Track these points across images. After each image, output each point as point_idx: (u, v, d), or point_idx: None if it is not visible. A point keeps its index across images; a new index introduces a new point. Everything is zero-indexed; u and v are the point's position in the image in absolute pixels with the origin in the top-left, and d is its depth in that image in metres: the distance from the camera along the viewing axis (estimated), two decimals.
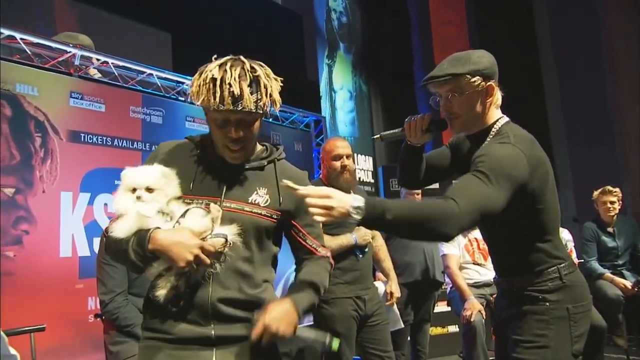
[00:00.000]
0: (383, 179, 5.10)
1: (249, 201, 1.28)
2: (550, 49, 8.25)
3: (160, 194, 1.19)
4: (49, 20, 3.45)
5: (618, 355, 3.77)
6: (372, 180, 5.56)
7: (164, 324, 1.20)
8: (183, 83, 4.09)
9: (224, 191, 1.27)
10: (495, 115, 1.50)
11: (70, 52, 3.28)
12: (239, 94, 1.16)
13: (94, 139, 3.40)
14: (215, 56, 1.26)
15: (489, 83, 1.46)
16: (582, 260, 3.70)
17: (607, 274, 3.60)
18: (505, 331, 1.51)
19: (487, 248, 3.25)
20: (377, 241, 2.81)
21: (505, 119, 1.51)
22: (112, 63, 3.55)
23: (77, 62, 3.35)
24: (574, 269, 1.48)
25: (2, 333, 1.30)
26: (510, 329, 1.47)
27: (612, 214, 3.73)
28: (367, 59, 6.07)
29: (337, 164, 2.51)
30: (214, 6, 4.50)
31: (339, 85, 5.64)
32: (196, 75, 1.24)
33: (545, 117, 7.74)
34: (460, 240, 3.54)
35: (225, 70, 1.18)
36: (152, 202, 1.18)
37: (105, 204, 3.41)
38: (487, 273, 3.30)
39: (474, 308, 2.96)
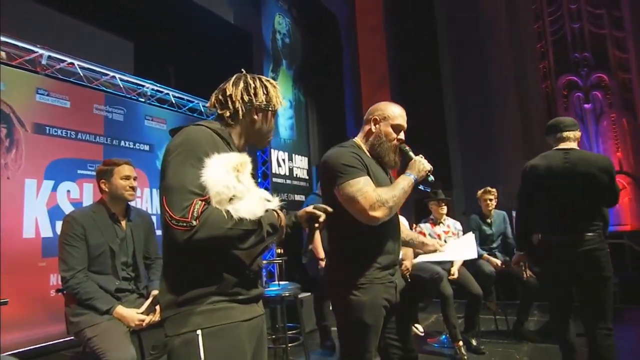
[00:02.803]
0: (316, 176, 5.21)
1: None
2: (450, 74, 8.79)
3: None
4: (16, 21, 3.21)
5: (489, 316, 4.13)
6: (307, 177, 5.68)
7: (241, 288, 1.17)
8: (143, 86, 3.96)
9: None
10: None
11: (37, 52, 3.08)
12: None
13: (59, 132, 3.23)
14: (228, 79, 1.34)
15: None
16: None
17: (485, 255, 3.87)
18: None
19: None
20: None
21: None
22: (77, 64, 3.37)
23: (44, 62, 3.15)
24: None
25: None
26: None
27: (490, 208, 4.02)
28: (305, 74, 6.16)
29: (395, 136, 1.79)
30: (174, 21, 4.38)
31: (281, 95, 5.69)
32: (266, 82, 1.33)
33: (445, 130, 8.23)
34: None
35: (276, 85, 1.36)
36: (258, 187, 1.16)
37: (68, 191, 3.25)
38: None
39: None
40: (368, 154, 1.79)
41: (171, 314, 1.12)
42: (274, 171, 5.16)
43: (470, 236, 2.14)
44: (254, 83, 1.30)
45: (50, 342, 2.86)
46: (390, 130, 1.78)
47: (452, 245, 1.98)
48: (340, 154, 1.68)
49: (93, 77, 3.58)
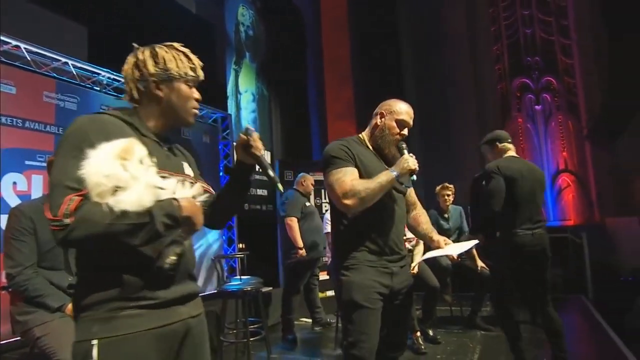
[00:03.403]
0: (279, 170, 5.19)
1: (185, 172, 1.20)
2: (411, 73, 8.99)
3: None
4: None
5: (445, 307, 4.30)
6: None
7: (149, 291, 1.03)
8: (99, 74, 3.76)
9: (174, 164, 1.17)
10: None
11: None
12: (199, 64, 1.20)
13: (3, 119, 3.01)
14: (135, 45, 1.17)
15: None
16: None
17: None
18: None
19: None
20: (418, 209, 2.06)
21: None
22: (24, 48, 3.15)
23: None
24: None
25: None
26: None
27: (448, 203, 4.17)
28: (269, 68, 6.09)
29: (397, 131, 1.84)
30: (132, 6, 4.19)
31: (244, 89, 5.59)
32: (159, 50, 1.15)
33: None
34: None
35: (184, 47, 1.19)
36: (153, 174, 1.00)
37: (15, 183, 3.04)
38: None
39: None
40: (370, 146, 1.88)
41: (75, 319, 1.03)
42: None
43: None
44: (142, 55, 1.14)
45: None
46: (394, 124, 1.84)
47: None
48: (332, 147, 1.81)
49: (42, 63, 3.36)
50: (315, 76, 7.81)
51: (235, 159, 1.29)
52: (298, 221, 3.83)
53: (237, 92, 5.47)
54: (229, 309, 3.35)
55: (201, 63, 1.22)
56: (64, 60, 3.41)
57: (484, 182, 2.62)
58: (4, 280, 2.31)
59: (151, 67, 1.13)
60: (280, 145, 6.16)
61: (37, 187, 3.16)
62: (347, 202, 1.66)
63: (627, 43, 7.32)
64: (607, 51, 7.77)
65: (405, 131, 1.85)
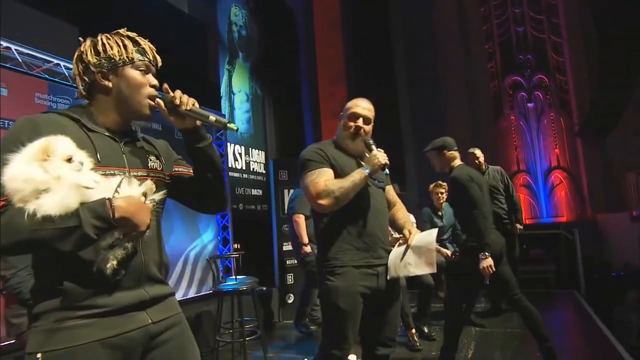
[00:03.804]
0: (273, 170, 5.18)
1: (150, 167, 1.12)
2: (404, 72, 9.01)
3: (84, 166, 0.93)
4: None
5: (440, 304, 4.31)
6: (264, 171, 5.63)
7: (96, 298, 0.96)
8: None
9: (125, 161, 1.07)
10: None
11: None
12: (150, 47, 1.13)
13: None
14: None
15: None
16: None
17: (436, 246, 4.07)
18: None
19: None
20: (397, 205, 2.04)
21: None
22: (15, 49, 3.12)
23: None
24: None
25: None
26: None
27: (441, 201, 4.17)
28: (262, 67, 6.08)
29: (351, 124, 1.84)
30: (123, 6, 4.16)
31: (237, 88, 5.57)
32: (100, 38, 1.07)
33: (399, 129, 8.45)
34: None
35: (131, 32, 1.11)
36: (84, 173, 0.92)
37: None
38: None
39: None
40: (341, 148, 1.89)
41: (28, 329, 0.98)
42: (230, 165, 5.07)
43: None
44: (83, 47, 1.07)
45: None
46: (347, 120, 1.87)
47: (415, 248, 1.77)
48: (307, 151, 1.85)
49: (34, 64, 3.33)
50: (308, 75, 7.81)
51: (183, 138, 1.18)
52: (306, 219, 3.85)
53: (230, 92, 5.46)
54: (224, 309, 3.34)
55: (152, 47, 1.13)
56: (55, 61, 3.39)
57: (456, 190, 2.68)
58: None
59: (91, 57, 1.05)
60: (274, 145, 6.15)
61: None
62: (322, 201, 1.68)
63: (616, 40, 7.39)
64: (597, 48, 7.85)
65: (360, 121, 1.84)
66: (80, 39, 1.11)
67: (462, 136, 8.60)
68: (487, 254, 2.51)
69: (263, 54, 6.16)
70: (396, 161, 8.12)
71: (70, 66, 3.52)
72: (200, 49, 4.97)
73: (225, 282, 3.44)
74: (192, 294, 4.30)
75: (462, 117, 8.86)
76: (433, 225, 4.15)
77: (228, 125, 1.14)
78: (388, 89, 8.31)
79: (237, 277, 3.57)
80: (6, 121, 3.05)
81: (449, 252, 3.99)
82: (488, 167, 4.40)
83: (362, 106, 1.87)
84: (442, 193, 4.18)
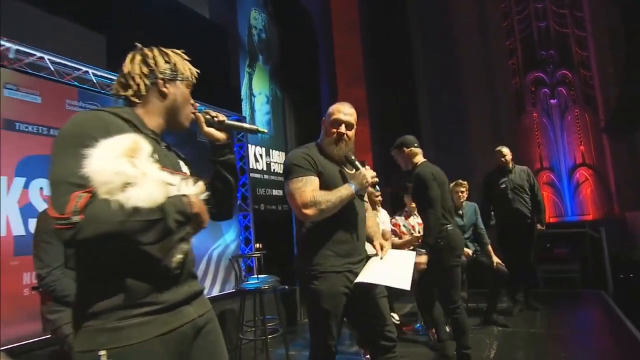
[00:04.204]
0: None
1: (183, 171, 1.20)
2: (422, 71, 8.93)
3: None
4: None
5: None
6: None
7: (156, 295, 1.00)
8: None
9: (173, 163, 1.16)
10: None
11: (4, 45, 2.96)
12: (196, 72, 1.24)
13: (30, 127, 3.12)
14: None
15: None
16: None
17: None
18: None
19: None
20: (368, 212, 2.09)
21: None
22: (48, 59, 3.26)
23: (11, 56, 3.03)
24: None
25: None
26: None
27: (462, 200, 4.12)
28: (282, 70, 6.14)
29: (333, 130, 1.88)
30: (148, 13, 4.28)
31: (257, 91, 5.64)
32: (167, 50, 1.19)
33: (419, 129, 8.39)
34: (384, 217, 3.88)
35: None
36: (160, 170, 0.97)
37: (41, 188, 3.15)
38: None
39: None
40: (325, 153, 1.91)
41: (76, 328, 0.98)
42: (251, 166, 5.14)
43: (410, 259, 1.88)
44: (151, 53, 1.16)
45: (24, 342, 2.79)
46: (330, 126, 1.89)
47: (390, 262, 1.84)
48: (293, 155, 1.87)
49: (65, 72, 3.47)
50: (327, 77, 7.83)
51: (210, 148, 1.28)
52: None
53: (250, 94, 5.53)
54: (247, 308, 3.40)
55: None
56: (84, 69, 3.52)
57: (418, 186, 2.77)
58: (34, 280, 2.40)
59: (162, 65, 1.14)
60: (295, 146, 6.20)
61: None
62: (307, 211, 1.73)
63: None
64: (623, 42, 7.59)
65: (342, 128, 1.87)
66: (138, 44, 1.18)
67: (483, 134, 8.48)
68: (425, 250, 2.70)
69: (282, 57, 6.22)
70: None
71: (99, 73, 3.67)
72: (221, 53, 5.06)
73: (248, 281, 3.50)
74: (215, 292, 4.39)
75: (482, 116, 8.72)
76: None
77: (259, 130, 1.29)
78: (406, 89, 8.24)
79: (259, 276, 3.62)
80: (40, 127, 3.19)
81: (469, 252, 3.95)
82: (515, 166, 4.36)
83: (345, 112, 1.90)
84: (462, 192, 4.14)
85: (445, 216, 2.79)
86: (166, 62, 1.15)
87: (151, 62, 1.14)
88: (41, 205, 3.06)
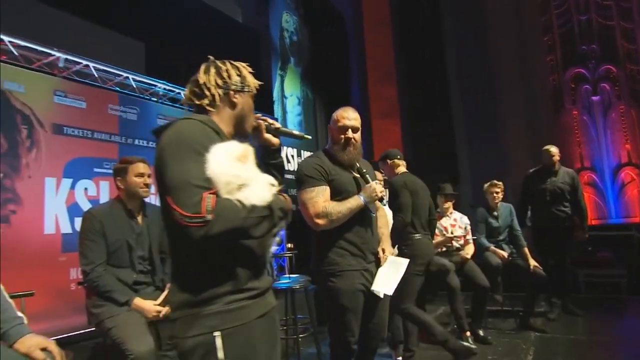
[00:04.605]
0: None
1: None
2: (456, 69, 8.73)
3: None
4: (35, 26, 3.28)
5: (496, 307, 4.14)
6: None
7: (254, 281, 1.12)
8: (155, 86, 4.02)
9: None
10: None
11: (55, 55, 3.14)
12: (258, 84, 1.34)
13: (76, 131, 3.30)
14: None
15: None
16: (475, 237, 3.94)
17: (492, 247, 3.84)
18: None
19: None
20: (380, 211, 2.17)
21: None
22: (93, 66, 3.44)
23: (61, 65, 3.22)
24: None
25: (8, 298, 1.24)
26: None
27: (497, 201, 3.99)
28: (313, 71, 6.17)
29: (341, 136, 1.97)
30: (183, 21, 4.42)
31: (289, 93, 5.71)
32: (237, 64, 1.29)
33: (452, 124, 8.21)
34: None
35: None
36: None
37: (86, 189, 3.33)
38: None
39: None
40: (335, 158, 2.00)
41: (183, 314, 1.07)
42: None
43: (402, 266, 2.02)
44: (224, 66, 1.26)
45: (72, 333, 2.95)
46: (337, 132, 1.99)
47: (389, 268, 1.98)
48: (305, 166, 1.96)
49: (107, 78, 3.65)
50: (358, 77, 7.81)
51: (264, 151, 1.39)
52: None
53: (282, 96, 5.61)
54: (278, 306, 3.44)
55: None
56: (125, 75, 3.68)
57: (391, 194, 2.92)
58: (80, 276, 2.54)
59: (235, 77, 1.24)
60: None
61: (104, 192, 3.43)
62: (319, 221, 1.86)
63: None
64: None
65: (349, 133, 1.97)
66: (210, 57, 1.29)
67: (518, 134, 8.19)
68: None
69: (313, 58, 6.26)
70: (449, 160, 7.90)
71: (138, 78, 3.83)
72: (253, 56, 5.16)
73: (279, 280, 3.54)
74: None
75: (518, 114, 8.41)
76: (488, 226, 3.99)
77: (304, 136, 1.46)
78: (439, 87, 8.09)
79: (291, 275, 3.66)
80: (85, 130, 3.37)
81: (505, 254, 3.83)
82: (560, 167, 4.20)
83: (349, 117, 2.00)
84: (497, 193, 4.01)
85: (415, 224, 2.91)
86: (237, 74, 1.25)
87: (224, 74, 1.23)
88: (85, 205, 3.23)
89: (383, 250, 2.01)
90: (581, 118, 8.30)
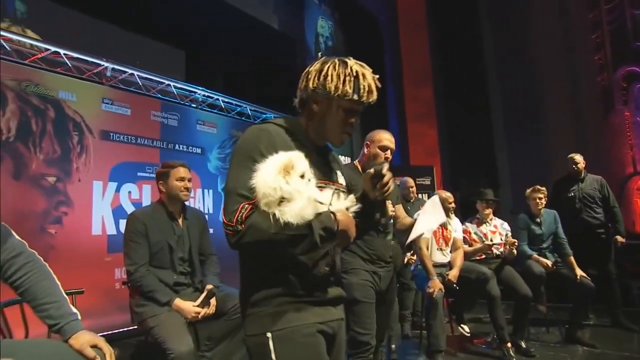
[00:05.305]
0: None
1: (339, 182, 1.24)
2: (495, 70, 8.46)
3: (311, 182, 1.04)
4: (86, 39, 3.49)
5: (539, 317, 3.96)
6: None
7: (310, 289, 1.10)
8: (195, 92, 4.15)
9: (329, 174, 1.21)
10: None
11: (103, 65, 3.32)
12: (374, 90, 1.16)
13: (121, 137, 3.47)
14: (320, 54, 1.22)
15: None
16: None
17: (534, 255, 3.68)
18: None
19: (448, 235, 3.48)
20: (400, 212, 2.35)
21: None
22: (137, 75, 3.60)
23: (108, 74, 3.40)
24: None
25: (64, 293, 1.29)
26: None
27: (540, 207, 3.82)
28: None
29: (382, 153, 2.20)
30: (221, 29, 4.55)
31: None
32: (330, 65, 1.13)
33: (491, 127, 7.95)
34: None
35: (364, 68, 1.16)
36: (313, 187, 1.04)
37: (130, 192, 3.48)
38: (447, 256, 3.40)
39: (436, 286, 2.97)
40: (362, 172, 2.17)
41: (246, 314, 1.12)
42: None
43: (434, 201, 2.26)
44: (312, 67, 1.16)
45: (116, 331, 3.08)
46: (378, 151, 2.22)
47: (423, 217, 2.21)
48: None
49: (150, 86, 3.81)
50: (393, 79, 7.73)
51: (358, 193, 1.27)
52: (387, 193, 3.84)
53: None
54: None
55: (377, 85, 1.17)
56: (166, 82, 3.83)
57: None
58: (124, 276, 2.65)
59: (312, 81, 1.13)
60: (361, 150, 6.20)
61: (147, 195, 3.58)
62: None
63: None
64: None
65: (389, 153, 2.22)
66: (320, 54, 1.25)
67: (563, 137, 7.81)
68: None
69: None
70: (489, 166, 7.65)
71: (179, 85, 3.97)
72: (289, 62, 5.22)
73: None
74: None
75: (563, 117, 8.02)
76: (530, 233, 3.83)
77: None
78: (477, 89, 7.86)
79: None
80: (129, 136, 3.53)
81: (549, 262, 3.65)
82: (587, 174, 4.07)
83: (390, 140, 2.24)
84: (540, 198, 3.84)
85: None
86: (321, 78, 1.12)
87: (307, 76, 1.15)
88: (130, 208, 3.37)
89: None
90: (634, 119, 7.80)
